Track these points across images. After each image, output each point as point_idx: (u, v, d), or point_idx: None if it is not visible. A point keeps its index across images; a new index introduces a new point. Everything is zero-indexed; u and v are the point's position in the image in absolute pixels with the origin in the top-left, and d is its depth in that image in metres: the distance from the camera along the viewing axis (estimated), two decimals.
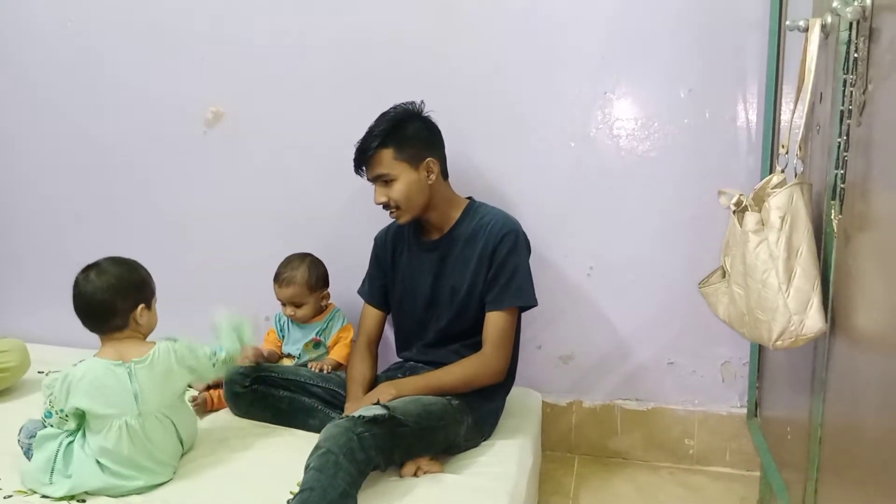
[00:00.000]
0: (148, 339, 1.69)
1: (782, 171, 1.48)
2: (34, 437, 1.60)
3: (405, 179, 1.84)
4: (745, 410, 2.17)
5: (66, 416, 1.56)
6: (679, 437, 2.26)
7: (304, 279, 2.15)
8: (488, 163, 2.25)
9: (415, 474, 1.63)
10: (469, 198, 2.01)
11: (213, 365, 1.72)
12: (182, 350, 1.67)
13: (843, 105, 1.24)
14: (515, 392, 2.13)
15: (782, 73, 1.85)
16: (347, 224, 2.35)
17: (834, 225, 1.29)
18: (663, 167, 2.16)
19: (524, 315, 2.24)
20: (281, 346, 2.23)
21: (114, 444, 1.54)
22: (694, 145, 2.13)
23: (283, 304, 2.19)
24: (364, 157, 1.85)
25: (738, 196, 1.46)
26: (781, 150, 1.52)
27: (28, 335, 2.36)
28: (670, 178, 2.16)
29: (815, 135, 1.48)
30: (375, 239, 2.09)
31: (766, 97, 1.92)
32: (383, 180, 1.85)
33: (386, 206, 1.88)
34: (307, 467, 1.42)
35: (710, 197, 2.07)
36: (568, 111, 2.19)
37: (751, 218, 1.40)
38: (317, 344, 2.18)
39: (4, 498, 1.53)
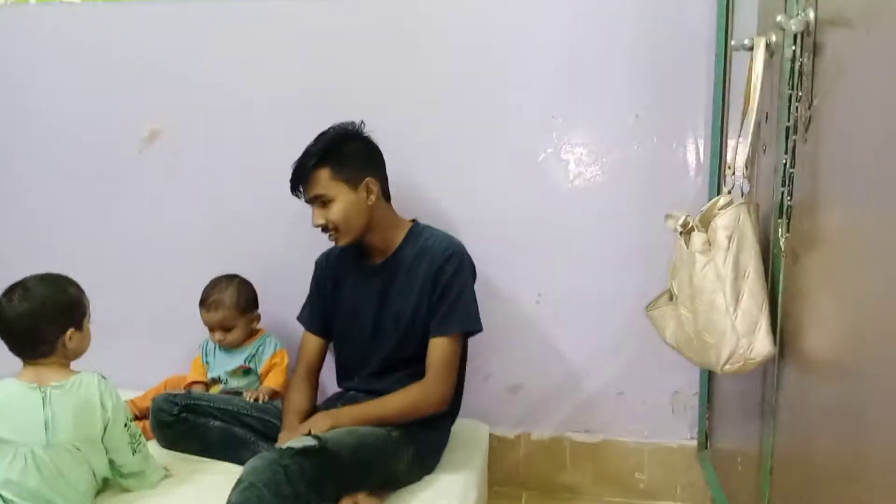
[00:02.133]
0: (80, 359, 1.58)
1: (729, 193, 1.44)
2: None
3: (343, 200, 1.77)
4: (695, 442, 2.12)
5: None
6: (630, 471, 2.19)
7: (233, 301, 2.06)
8: (434, 186, 2.18)
9: None
10: (413, 220, 1.94)
11: (132, 446, 1.59)
12: (108, 388, 1.55)
13: (788, 121, 1.22)
14: (461, 424, 2.05)
15: (729, 94, 1.85)
16: (288, 247, 2.25)
17: (781, 244, 1.26)
18: (613, 193, 2.13)
19: (471, 343, 2.16)
20: (206, 374, 2.11)
21: (18, 475, 1.42)
22: (643, 170, 2.10)
23: (211, 330, 2.08)
24: (301, 177, 1.79)
25: (684, 217, 1.43)
26: (728, 172, 1.49)
27: None
28: (620, 204, 2.13)
29: (761, 155, 1.46)
30: (316, 263, 2.01)
31: (712, 119, 1.91)
32: (321, 201, 1.78)
33: (324, 228, 1.81)
34: (228, 503, 1.31)
35: (660, 222, 2.05)
36: (516, 135, 2.15)
37: (697, 238, 1.36)
38: (246, 371, 2.07)
39: None
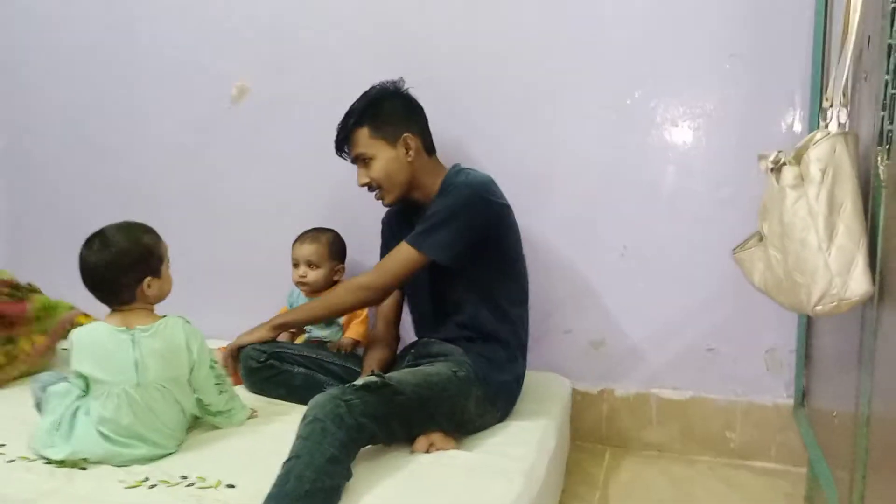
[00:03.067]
0: (163, 303, 1.64)
1: (826, 126, 1.34)
2: (45, 390, 1.59)
3: (383, 157, 1.81)
4: (791, 401, 2.01)
5: (75, 376, 1.54)
6: (720, 430, 2.11)
7: (328, 242, 2.15)
8: (514, 137, 2.15)
9: (427, 451, 1.54)
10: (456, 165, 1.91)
11: (218, 387, 1.66)
12: (192, 331, 1.62)
13: (891, 38, 1.11)
14: (541, 377, 2.04)
15: (831, 25, 1.70)
16: (370, 204, 2.28)
17: (881, 174, 1.16)
18: (703, 139, 2.03)
19: (551, 297, 2.15)
20: None
21: (112, 413, 1.50)
22: (737, 115, 1.99)
23: (297, 266, 2.14)
24: (343, 137, 1.84)
25: (775, 153, 1.34)
26: (826, 104, 1.39)
27: None
28: (711, 151, 2.03)
29: (862, 84, 1.34)
30: (382, 222, 2.05)
31: (812, 54, 1.77)
32: (363, 160, 1.83)
33: (370, 187, 1.86)
34: (295, 438, 1.35)
35: (755, 170, 1.95)
36: (602, 80, 2.08)
37: (789, 172, 1.28)
38: (329, 322, 2.11)
39: (7, 462, 1.51)
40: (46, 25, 2.64)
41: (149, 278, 1.58)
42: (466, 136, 2.06)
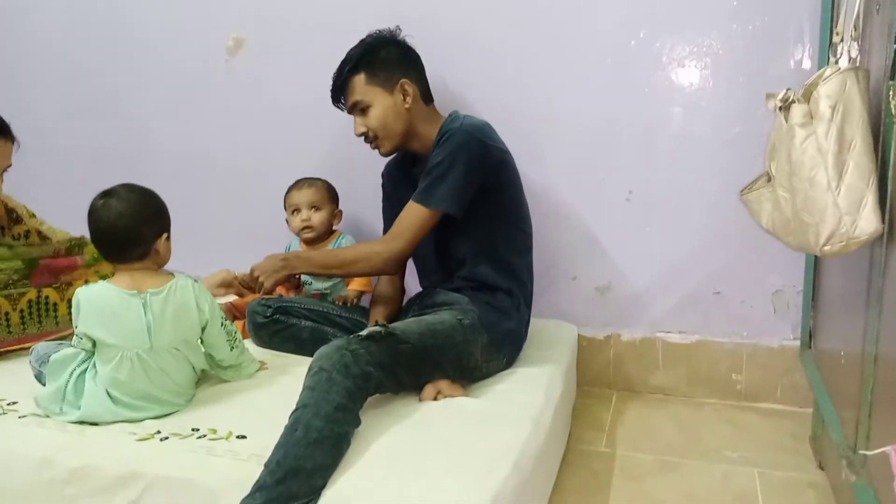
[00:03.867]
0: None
1: (836, 62, 1.31)
2: (45, 362, 1.57)
3: (380, 105, 1.77)
4: (798, 343, 2.01)
5: (82, 337, 1.52)
6: (726, 372, 2.12)
7: (324, 186, 2.16)
8: (515, 83, 2.11)
9: (434, 398, 1.55)
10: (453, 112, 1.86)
11: (229, 343, 1.65)
12: (201, 290, 1.60)
13: None
14: (547, 324, 2.04)
15: None
16: (372, 159, 2.25)
17: (893, 109, 1.13)
18: (708, 80, 1.99)
19: (556, 243, 2.14)
20: None
21: (126, 376, 1.49)
22: (744, 54, 1.95)
23: (298, 211, 2.13)
24: (338, 86, 1.81)
25: (784, 92, 1.30)
26: (836, 39, 1.35)
27: None
28: (716, 92, 1.99)
29: (874, 16, 1.30)
30: (382, 175, 2.02)
31: None
32: (359, 108, 1.80)
33: (366, 137, 1.83)
34: (302, 390, 1.36)
35: (762, 109, 1.91)
36: (604, 21, 2.03)
37: (797, 110, 1.25)
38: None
39: (20, 417, 1.52)
40: None
41: (165, 234, 1.56)
42: (464, 82, 2.02)
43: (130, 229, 1.52)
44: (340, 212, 2.20)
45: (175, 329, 1.54)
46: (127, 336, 1.50)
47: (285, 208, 2.18)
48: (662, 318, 2.16)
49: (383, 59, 1.79)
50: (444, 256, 1.85)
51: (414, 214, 1.71)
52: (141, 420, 1.51)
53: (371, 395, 1.44)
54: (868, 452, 1.20)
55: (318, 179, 2.17)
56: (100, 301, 1.51)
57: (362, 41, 1.82)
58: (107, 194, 1.53)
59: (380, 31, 1.83)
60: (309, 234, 2.15)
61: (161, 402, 1.54)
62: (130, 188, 1.56)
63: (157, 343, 1.52)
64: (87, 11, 2.53)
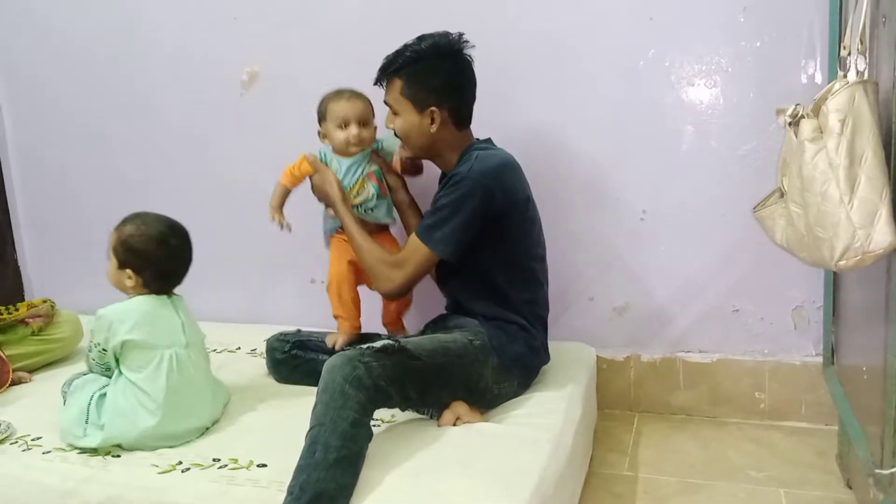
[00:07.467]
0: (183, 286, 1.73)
1: (845, 76, 1.31)
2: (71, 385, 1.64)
3: (407, 118, 1.75)
4: (820, 359, 1.98)
5: (104, 350, 1.58)
6: (748, 391, 2.09)
7: (368, 100, 1.91)
8: (528, 103, 2.13)
9: (454, 424, 1.55)
10: (477, 140, 1.84)
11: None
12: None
13: None
14: (566, 347, 2.03)
15: None
16: None
17: None
18: (719, 97, 2.00)
19: (573, 264, 2.14)
20: None
21: (166, 378, 1.55)
22: (753, 71, 1.95)
23: (347, 126, 1.86)
24: (383, 74, 1.76)
25: (793, 107, 1.30)
26: (843, 52, 1.35)
27: (80, 307, 2.38)
28: (727, 108, 1.99)
29: (881, 29, 1.30)
30: None
31: (829, 3, 1.72)
32: (391, 108, 1.78)
33: (395, 132, 1.81)
34: (315, 404, 1.37)
35: (773, 125, 1.91)
36: (612, 41, 2.04)
37: (807, 125, 1.25)
38: (377, 187, 1.91)
39: (44, 453, 1.54)
40: (49, 22, 2.64)
41: None
42: (479, 101, 2.01)
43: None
44: (376, 127, 1.96)
45: (196, 329, 1.69)
46: (166, 334, 1.61)
47: (323, 119, 1.92)
48: (682, 337, 2.14)
49: (425, 78, 1.72)
50: (449, 291, 1.88)
51: (416, 249, 1.69)
52: (166, 435, 1.54)
53: (379, 409, 1.45)
54: (894, 471, 1.18)
55: (357, 91, 1.92)
56: (135, 308, 1.60)
57: (422, 40, 1.73)
58: (172, 225, 1.66)
59: (445, 35, 1.74)
60: (355, 150, 1.92)
61: (193, 411, 1.60)
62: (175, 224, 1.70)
63: (190, 339, 1.64)
64: (97, 43, 2.58)
